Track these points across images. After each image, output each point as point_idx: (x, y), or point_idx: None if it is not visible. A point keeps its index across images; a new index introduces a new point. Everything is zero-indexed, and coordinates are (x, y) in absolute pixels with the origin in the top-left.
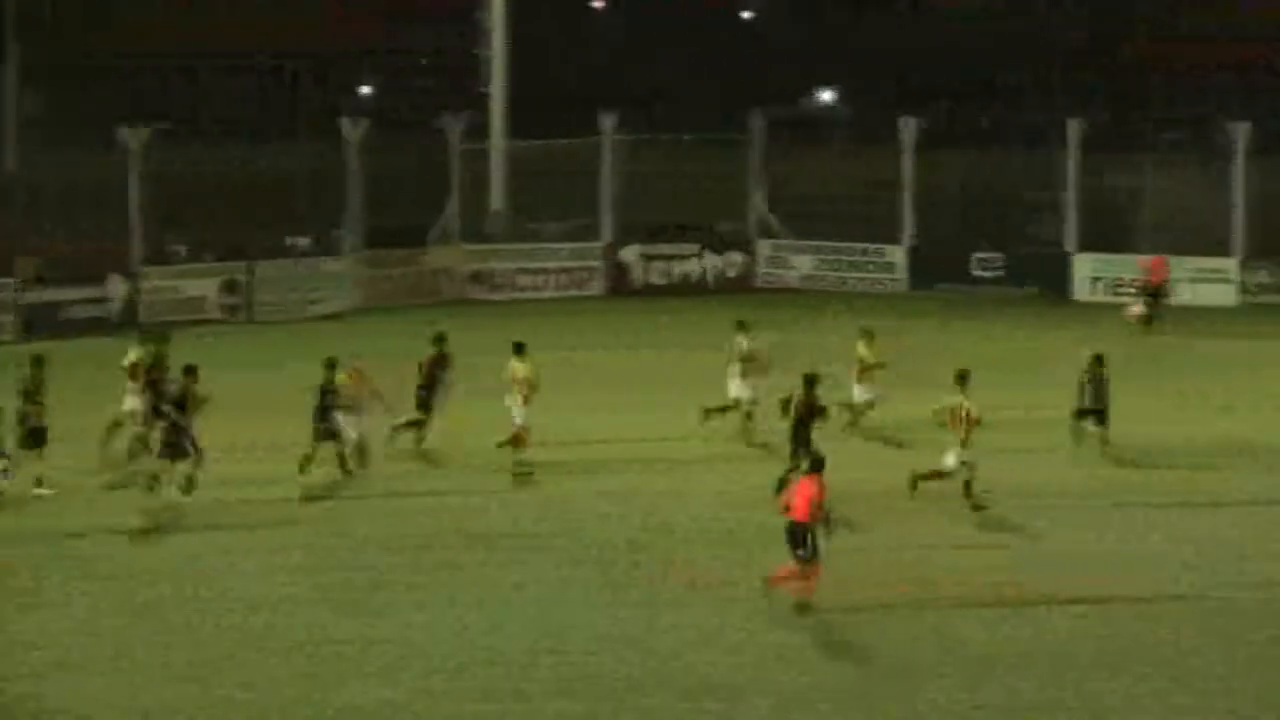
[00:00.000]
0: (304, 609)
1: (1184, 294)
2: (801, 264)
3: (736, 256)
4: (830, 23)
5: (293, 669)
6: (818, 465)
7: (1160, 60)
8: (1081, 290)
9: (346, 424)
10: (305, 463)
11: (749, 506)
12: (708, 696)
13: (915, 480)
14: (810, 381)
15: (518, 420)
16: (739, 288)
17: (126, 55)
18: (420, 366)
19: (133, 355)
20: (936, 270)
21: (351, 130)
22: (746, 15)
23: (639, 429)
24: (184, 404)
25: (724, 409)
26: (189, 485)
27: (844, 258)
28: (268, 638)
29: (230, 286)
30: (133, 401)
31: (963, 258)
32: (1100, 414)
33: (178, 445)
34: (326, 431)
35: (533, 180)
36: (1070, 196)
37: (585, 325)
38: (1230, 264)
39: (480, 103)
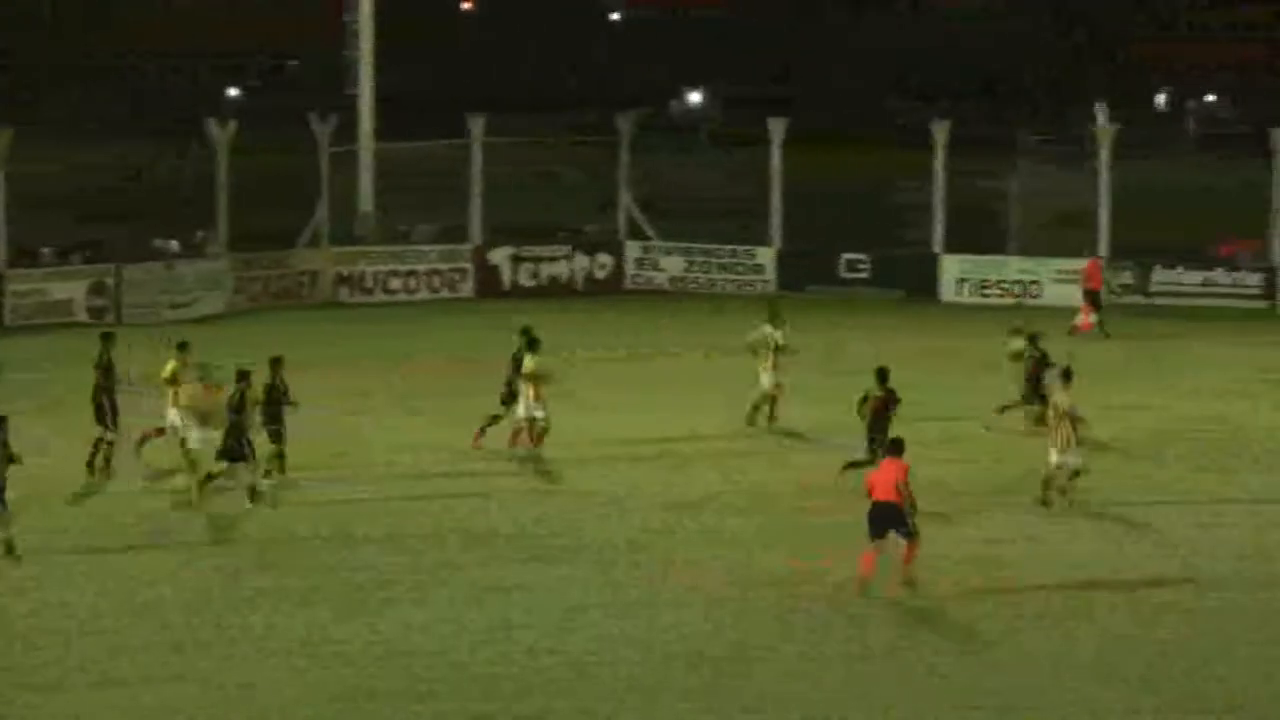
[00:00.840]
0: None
1: (1049, 295)
2: (671, 266)
3: (606, 258)
4: (702, 24)
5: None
6: (897, 448)
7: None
8: (948, 291)
9: (187, 428)
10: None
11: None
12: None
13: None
14: (883, 374)
15: (539, 414)
16: (608, 289)
17: None
18: (514, 361)
19: (172, 366)
20: (806, 272)
21: (219, 132)
22: (615, 17)
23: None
24: (241, 408)
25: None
26: (253, 492)
27: (713, 259)
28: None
29: (98, 289)
30: (173, 414)
31: (832, 259)
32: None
33: (237, 449)
34: (275, 433)
35: (402, 183)
36: (937, 198)
37: (460, 325)
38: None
39: (349, 104)
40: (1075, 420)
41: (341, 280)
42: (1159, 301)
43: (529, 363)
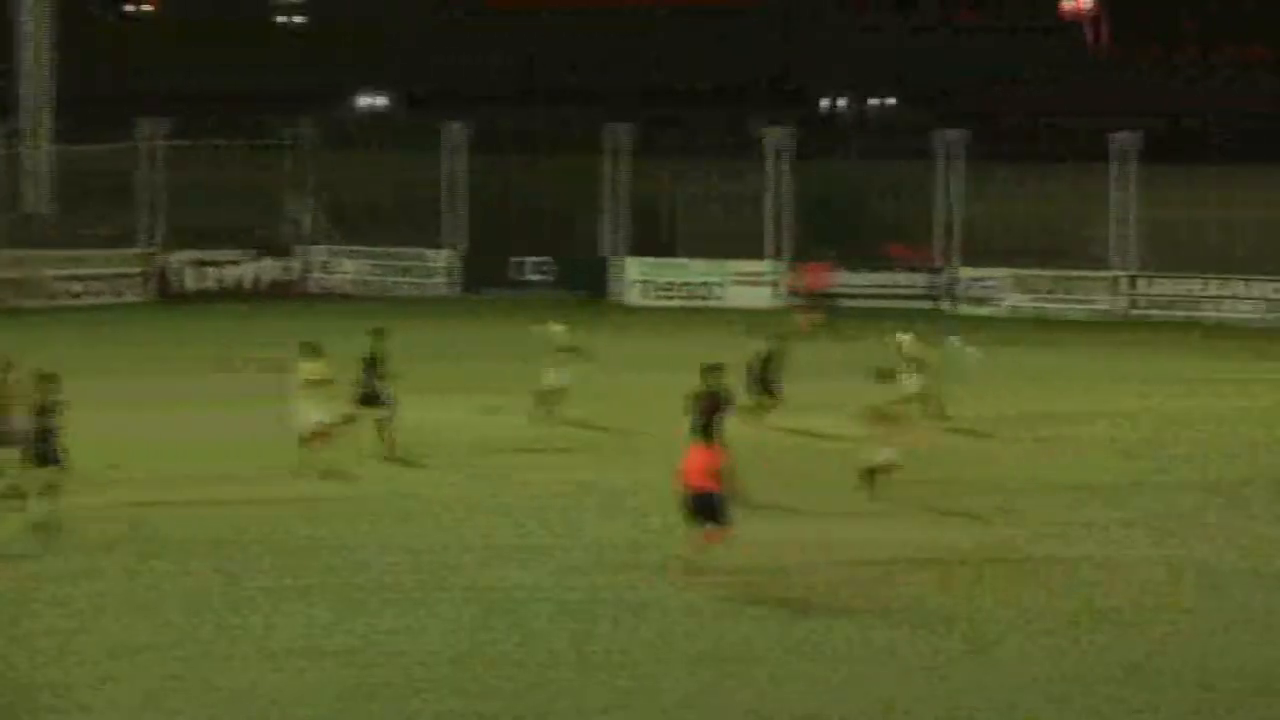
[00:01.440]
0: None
1: (726, 296)
2: (351, 268)
3: (287, 262)
4: (387, 25)
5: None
6: (709, 435)
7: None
8: (629, 294)
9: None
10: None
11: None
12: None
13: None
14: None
15: (319, 419)
16: (289, 293)
17: None
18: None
19: (317, 367)
20: (485, 274)
21: None
22: (299, 20)
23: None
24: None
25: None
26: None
27: (394, 262)
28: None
29: None
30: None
31: (513, 262)
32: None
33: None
34: (368, 398)
35: (77, 185)
36: (617, 203)
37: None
38: (767, 266)
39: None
40: (895, 418)
41: (11, 284)
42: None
43: (312, 368)
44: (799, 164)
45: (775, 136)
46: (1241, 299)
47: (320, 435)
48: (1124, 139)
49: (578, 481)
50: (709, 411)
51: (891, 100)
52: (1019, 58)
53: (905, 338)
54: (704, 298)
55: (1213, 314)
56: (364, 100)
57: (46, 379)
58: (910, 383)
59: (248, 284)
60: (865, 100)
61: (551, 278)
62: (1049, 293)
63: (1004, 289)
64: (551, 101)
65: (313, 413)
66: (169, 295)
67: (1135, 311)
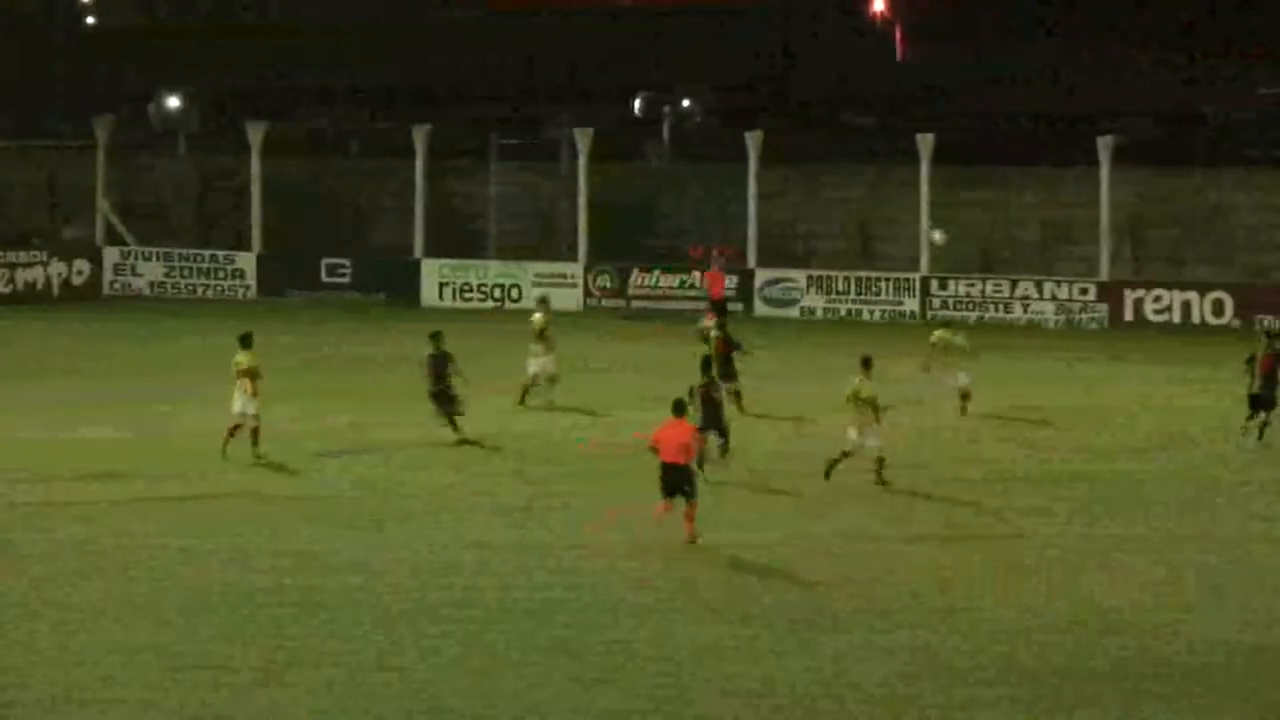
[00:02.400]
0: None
1: (529, 299)
2: (151, 271)
3: (83, 264)
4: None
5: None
6: (679, 409)
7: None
8: (430, 295)
9: None
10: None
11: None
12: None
13: (830, 466)
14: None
15: (249, 411)
16: (85, 296)
17: None
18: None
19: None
20: (287, 276)
21: None
22: (91, 21)
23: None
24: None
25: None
26: None
27: (194, 265)
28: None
29: None
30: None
31: (313, 264)
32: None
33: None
34: (440, 396)
35: None
36: (419, 203)
37: None
38: (576, 268)
39: None
40: (877, 406)
41: None
42: (636, 304)
43: (243, 358)
44: (597, 165)
45: (585, 136)
46: (1034, 300)
47: (240, 426)
48: (921, 140)
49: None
50: (708, 400)
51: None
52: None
53: (949, 334)
54: (505, 299)
55: (1005, 316)
56: (170, 102)
57: None
58: (962, 378)
59: (40, 286)
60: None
61: (351, 279)
62: (846, 295)
63: (802, 290)
64: (358, 103)
65: (238, 403)
66: None
67: (931, 313)
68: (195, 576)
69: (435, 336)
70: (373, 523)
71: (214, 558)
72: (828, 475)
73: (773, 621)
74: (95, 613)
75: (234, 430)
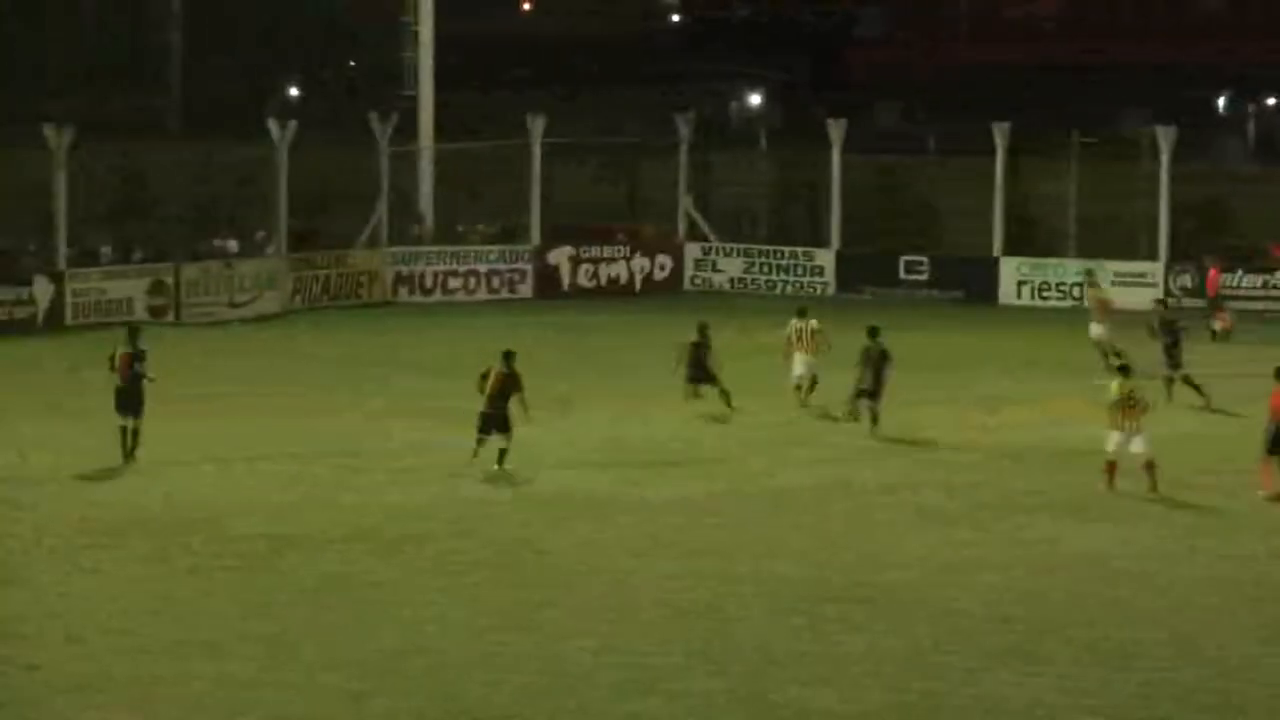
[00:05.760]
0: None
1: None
2: (731, 267)
3: (665, 259)
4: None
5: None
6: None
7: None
8: (1009, 294)
9: None
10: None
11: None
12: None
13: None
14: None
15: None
16: (666, 290)
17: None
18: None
19: None
20: (864, 274)
21: (279, 132)
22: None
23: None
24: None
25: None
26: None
27: (773, 261)
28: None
29: (157, 288)
30: None
31: (891, 262)
32: (874, 393)
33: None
34: (699, 376)
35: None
36: (997, 201)
37: None
38: (1156, 267)
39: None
40: (1143, 407)
41: (400, 280)
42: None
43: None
44: (1178, 165)
45: (1157, 134)
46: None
47: None
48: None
49: None
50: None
51: None
52: None
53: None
54: (1084, 298)
55: None
56: (751, 99)
57: None
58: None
59: (624, 281)
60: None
61: (927, 277)
62: None
63: None
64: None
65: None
66: None
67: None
68: None
69: (703, 327)
70: None
71: None
72: None
73: None
74: None
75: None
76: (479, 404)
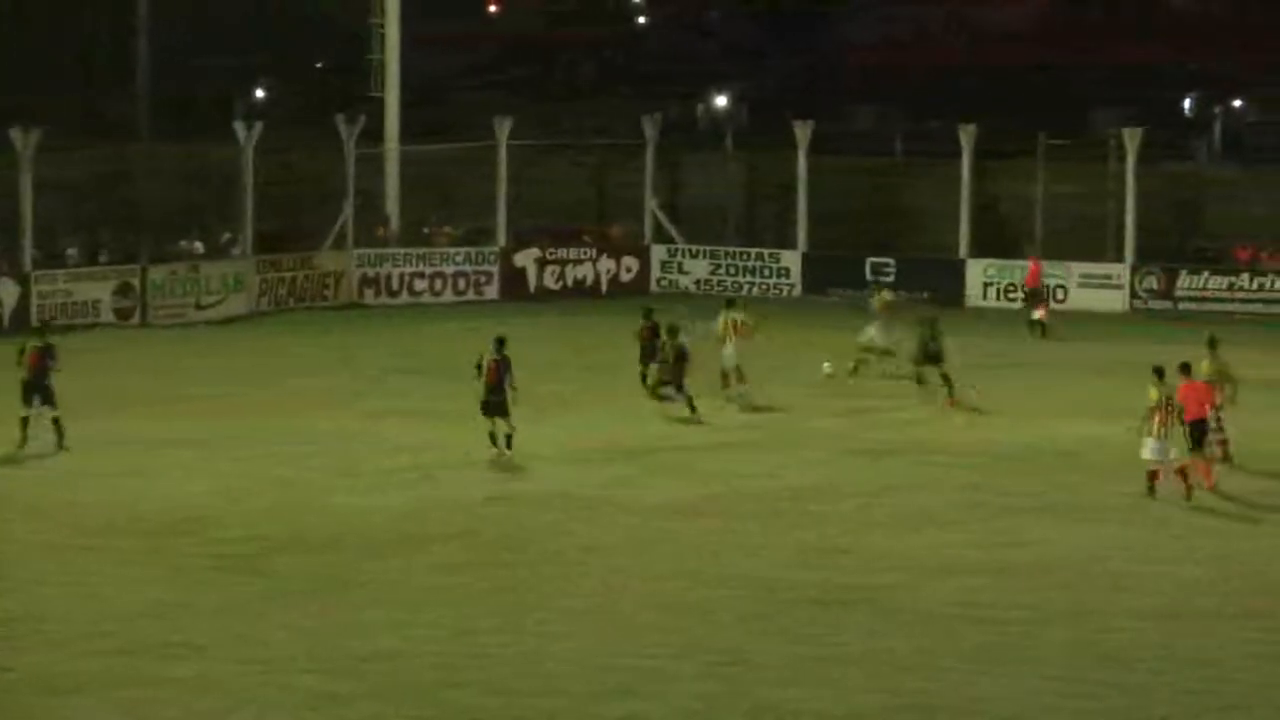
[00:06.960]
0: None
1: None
2: (697, 268)
3: (631, 261)
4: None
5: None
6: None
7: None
8: (975, 296)
9: None
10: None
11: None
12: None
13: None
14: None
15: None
16: (633, 291)
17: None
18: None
19: None
20: (831, 276)
21: (245, 134)
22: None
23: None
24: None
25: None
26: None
27: (740, 262)
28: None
29: (124, 290)
30: None
31: (857, 263)
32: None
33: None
34: (931, 356)
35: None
36: (964, 203)
37: None
38: (1121, 269)
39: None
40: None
41: (366, 282)
42: (1183, 307)
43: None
44: (1145, 166)
45: (1124, 136)
46: None
47: None
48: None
49: None
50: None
51: None
52: None
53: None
54: (1050, 300)
55: None
56: (717, 101)
57: None
58: None
59: (590, 283)
60: None
61: (894, 279)
62: None
63: None
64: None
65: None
66: None
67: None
68: None
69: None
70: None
71: None
72: None
73: None
74: None
75: None
76: (479, 393)
